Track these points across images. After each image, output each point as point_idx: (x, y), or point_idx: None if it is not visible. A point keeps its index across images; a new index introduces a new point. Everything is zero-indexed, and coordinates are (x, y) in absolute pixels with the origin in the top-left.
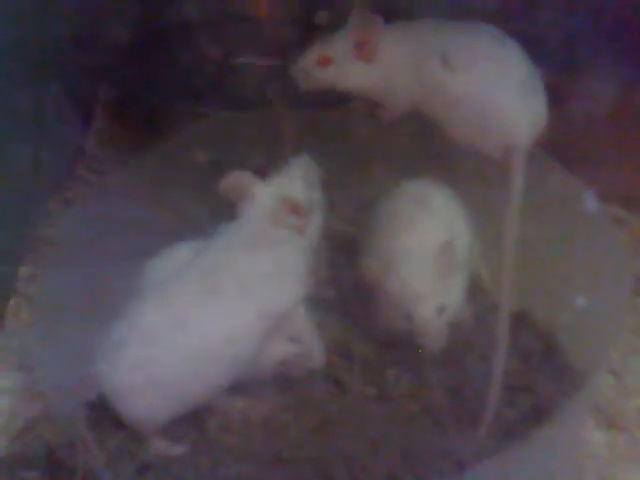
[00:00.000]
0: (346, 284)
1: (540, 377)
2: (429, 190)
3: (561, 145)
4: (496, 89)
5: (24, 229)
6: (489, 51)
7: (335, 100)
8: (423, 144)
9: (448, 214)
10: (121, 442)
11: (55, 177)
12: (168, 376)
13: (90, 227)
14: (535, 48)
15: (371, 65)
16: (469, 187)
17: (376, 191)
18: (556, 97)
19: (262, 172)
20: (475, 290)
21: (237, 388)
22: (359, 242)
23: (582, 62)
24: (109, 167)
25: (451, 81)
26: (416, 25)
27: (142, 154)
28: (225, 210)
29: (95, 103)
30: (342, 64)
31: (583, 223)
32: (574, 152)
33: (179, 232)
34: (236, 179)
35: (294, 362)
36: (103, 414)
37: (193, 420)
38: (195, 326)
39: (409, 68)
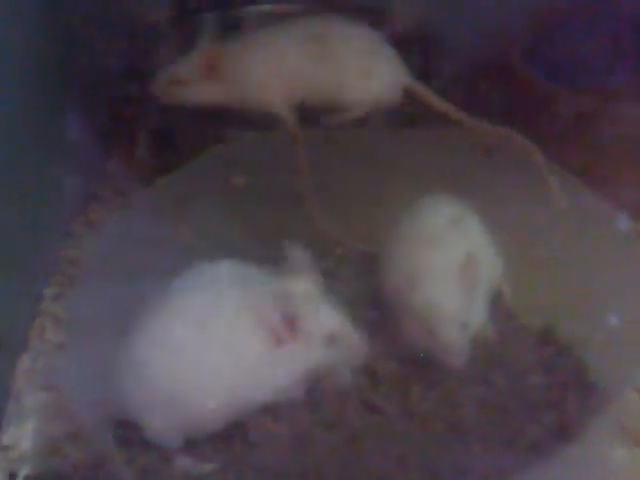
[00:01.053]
0: (368, 302)
1: (565, 394)
2: (451, 206)
3: (589, 165)
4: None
5: (48, 250)
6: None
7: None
8: (443, 160)
9: (471, 230)
10: (149, 461)
11: (78, 198)
12: (196, 394)
13: (114, 247)
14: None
15: (222, 82)
16: (490, 203)
17: (396, 209)
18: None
19: None
20: (497, 307)
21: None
22: (381, 260)
23: (609, 85)
24: (132, 188)
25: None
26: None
27: (165, 175)
28: (250, 229)
29: (117, 125)
30: (195, 83)
31: (611, 240)
32: (601, 172)
33: (202, 251)
34: None
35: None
36: (131, 433)
37: (220, 437)
38: (226, 345)
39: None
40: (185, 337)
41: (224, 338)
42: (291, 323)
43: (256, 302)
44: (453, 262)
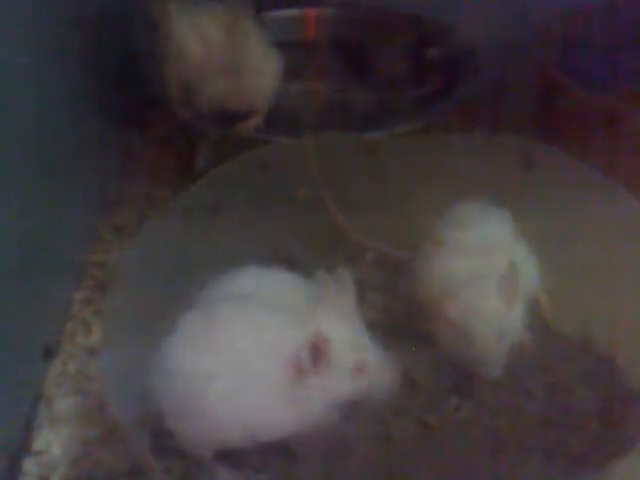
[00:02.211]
0: (402, 309)
1: (606, 404)
2: (489, 212)
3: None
4: None
5: (77, 253)
6: None
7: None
8: (479, 166)
9: (509, 238)
10: (186, 469)
11: (105, 203)
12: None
13: (149, 252)
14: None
15: None
16: (527, 210)
17: (431, 214)
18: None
19: None
20: (534, 316)
21: None
22: (416, 267)
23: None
24: (159, 193)
25: None
26: None
27: (193, 180)
28: (286, 234)
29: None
30: None
31: None
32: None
33: (236, 258)
34: None
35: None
36: (168, 440)
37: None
38: (250, 367)
39: None
40: (213, 356)
41: (248, 359)
42: (317, 355)
43: (286, 328)
44: (492, 271)
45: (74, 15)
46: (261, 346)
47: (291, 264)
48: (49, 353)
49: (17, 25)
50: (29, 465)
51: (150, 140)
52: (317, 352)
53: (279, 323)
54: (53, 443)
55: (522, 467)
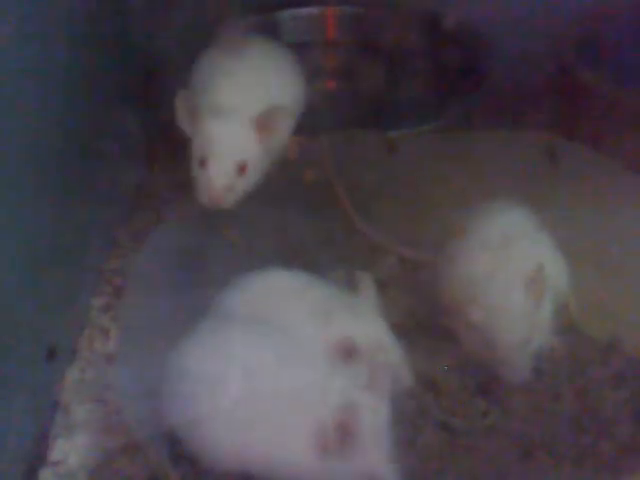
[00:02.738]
0: (425, 310)
1: (637, 408)
2: (517, 213)
3: None
4: None
5: (94, 260)
6: None
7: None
8: (507, 164)
9: (537, 239)
10: (203, 476)
11: (121, 209)
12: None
13: (163, 256)
14: None
15: None
16: (555, 209)
17: (454, 212)
18: None
19: None
20: (563, 319)
21: None
22: (439, 268)
23: None
24: (174, 197)
25: None
26: None
27: None
28: (305, 236)
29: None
30: None
31: None
32: None
33: (252, 260)
34: None
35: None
36: (184, 449)
37: None
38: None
39: None
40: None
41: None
42: (346, 435)
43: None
44: (518, 273)
45: None
46: (280, 385)
47: (311, 266)
48: (53, 354)
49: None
50: (46, 475)
51: (169, 145)
52: (345, 432)
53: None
54: (70, 453)
55: (552, 473)
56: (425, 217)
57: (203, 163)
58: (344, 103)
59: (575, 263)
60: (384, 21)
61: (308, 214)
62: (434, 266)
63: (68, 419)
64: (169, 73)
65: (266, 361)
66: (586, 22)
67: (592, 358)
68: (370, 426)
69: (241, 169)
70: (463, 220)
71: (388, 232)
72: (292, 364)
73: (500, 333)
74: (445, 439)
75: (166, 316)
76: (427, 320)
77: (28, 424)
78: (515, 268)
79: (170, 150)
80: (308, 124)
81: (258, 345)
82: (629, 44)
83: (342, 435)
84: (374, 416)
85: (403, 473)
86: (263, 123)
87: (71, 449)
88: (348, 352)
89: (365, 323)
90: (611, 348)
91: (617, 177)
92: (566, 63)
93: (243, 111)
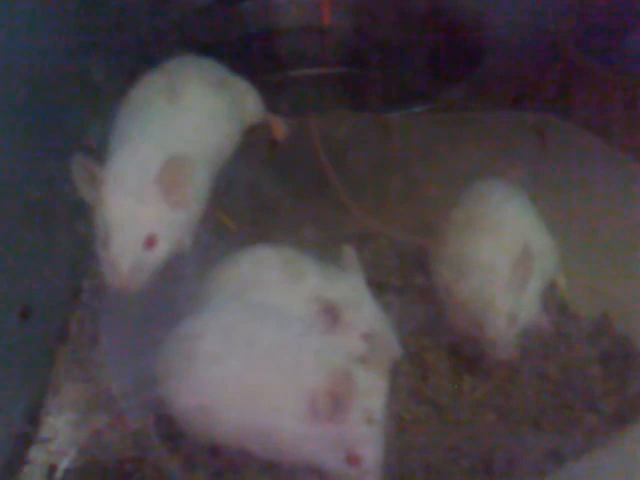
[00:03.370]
0: (416, 291)
1: (623, 383)
2: (503, 193)
3: None
4: None
5: (86, 242)
6: None
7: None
8: (494, 145)
9: (526, 219)
10: (192, 450)
11: None
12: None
13: None
14: None
15: None
16: (543, 189)
17: (445, 196)
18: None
19: None
20: (551, 298)
21: None
22: (430, 249)
23: None
24: None
25: None
26: None
27: None
28: (292, 218)
29: None
30: None
31: None
32: None
33: (243, 239)
34: None
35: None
36: (171, 424)
37: None
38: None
39: None
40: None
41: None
42: (337, 404)
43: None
44: (506, 253)
45: None
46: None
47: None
48: (26, 314)
49: None
50: (36, 452)
51: None
52: (336, 400)
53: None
54: (61, 430)
55: (537, 446)
56: (417, 198)
57: (105, 241)
58: (339, 86)
59: (564, 242)
60: (379, 6)
61: (299, 195)
62: (426, 246)
63: (59, 398)
64: None
65: (261, 331)
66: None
67: (580, 336)
68: (362, 397)
69: (149, 243)
70: (453, 200)
71: (379, 213)
72: (284, 332)
73: (486, 312)
74: (433, 414)
75: (156, 298)
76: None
77: (19, 402)
78: (502, 248)
79: None
80: (300, 106)
81: (253, 318)
82: (622, 27)
83: (332, 401)
84: (369, 390)
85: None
86: (166, 181)
87: (62, 427)
88: (332, 317)
89: (343, 285)
90: (600, 326)
91: (609, 157)
92: (560, 45)
93: (140, 171)
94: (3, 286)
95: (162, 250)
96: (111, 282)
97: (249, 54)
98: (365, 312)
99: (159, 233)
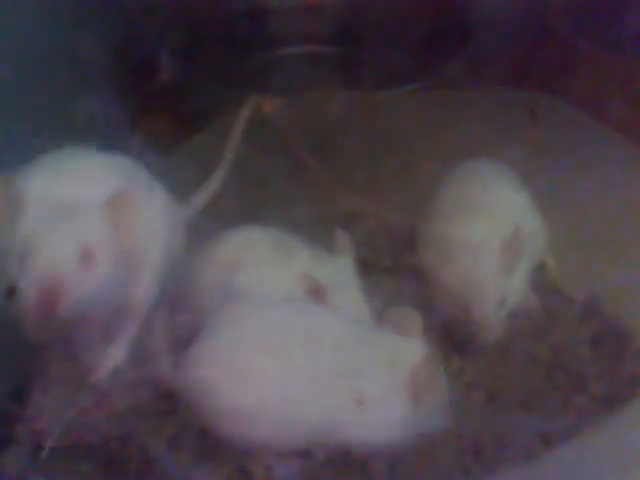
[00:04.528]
0: (405, 272)
1: (613, 364)
2: (493, 173)
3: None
4: None
5: None
6: None
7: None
8: (484, 124)
9: (515, 199)
10: (176, 430)
11: None
12: None
13: None
14: None
15: None
16: (534, 169)
17: (435, 173)
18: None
19: None
20: (541, 279)
21: None
22: (418, 230)
23: None
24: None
25: None
26: None
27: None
28: (278, 194)
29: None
30: None
31: None
32: None
33: (236, 216)
34: None
35: None
36: (158, 403)
37: None
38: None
39: None
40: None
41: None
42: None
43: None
44: (494, 234)
45: None
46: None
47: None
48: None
49: None
50: (21, 430)
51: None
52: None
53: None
54: (47, 409)
55: (524, 426)
56: (408, 176)
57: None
58: (328, 65)
59: (555, 222)
60: None
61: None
62: (414, 228)
63: (45, 377)
64: None
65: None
66: None
67: (570, 317)
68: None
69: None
70: (442, 179)
71: (372, 191)
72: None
73: (474, 296)
74: None
75: None
76: (405, 282)
77: (2, 380)
78: (492, 229)
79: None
80: (289, 85)
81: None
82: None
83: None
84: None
85: None
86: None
87: (48, 406)
88: (317, 297)
89: (331, 267)
90: (590, 308)
91: (602, 137)
92: (553, 24)
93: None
94: None
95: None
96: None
97: (239, 33)
98: (350, 296)
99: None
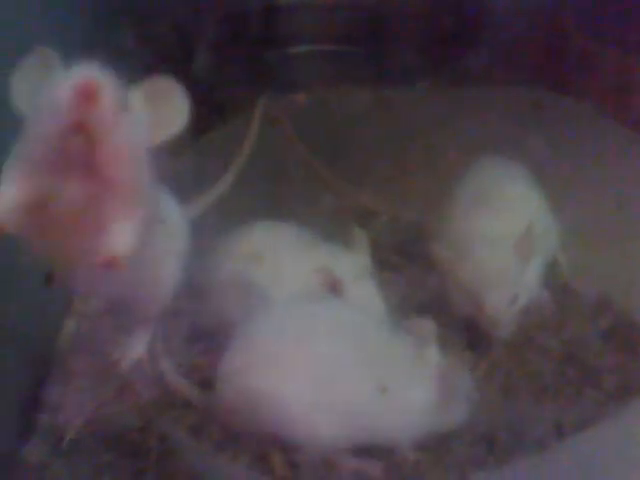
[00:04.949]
0: (416, 270)
1: (624, 359)
2: (509, 170)
3: None
4: None
5: None
6: None
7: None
8: (493, 121)
9: (530, 196)
10: (197, 422)
11: None
12: None
13: None
14: None
15: None
16: (543, 166)
17: (447, 170)
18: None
19: None
20: (553, 276)
21: None
22: (431, 226)
23: None
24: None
25: None
26: None
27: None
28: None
29: None
30: None
31: None
32: None
33: (250, 211)
34: None
35: None
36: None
37: None
38: None
39: None
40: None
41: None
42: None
43: None
44: (509, 231)
45: None
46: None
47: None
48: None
49: None
50: (42, 421)
51: None
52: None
53: None
54: (67, 401)
55: (537, 420)
56: (423, 174)
57: None
58: (344, 63)
59: (564, 219)
60: None
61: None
62: (427, 225)
63: (65, 369)
64: None
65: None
66: None
67: (581, 313)
68: None
69: None
70: (456, 180)
71: (381, 190)
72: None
73: (487, 290)
74: None
75: None
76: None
77: (25, 371)
78: (506, 225)
79: None
80: (304, 83)
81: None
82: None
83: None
84: None
85: None
86: None
87: (68, 398)
88: (334, 291)
89: (348, 262)
90: (601, 302)
91: (608, 133)
92: (559, 22)
93: None
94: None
95: None
96: None
97: (250, 30)
98: (366, 291)
99: None
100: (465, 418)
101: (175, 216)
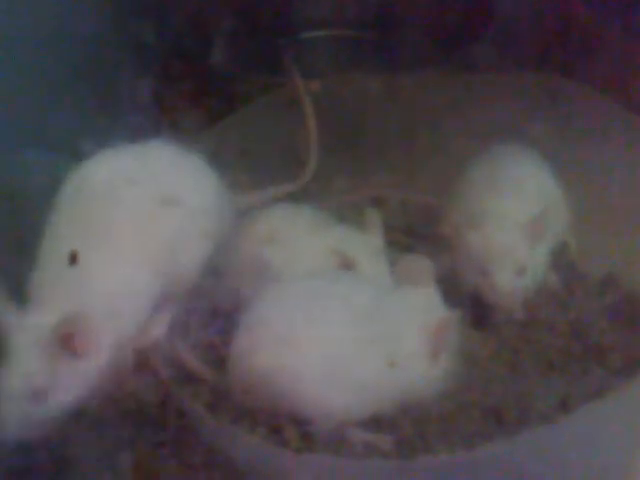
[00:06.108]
0: (426, 251)
1: (630, 337)
2: (524, 155)
3: None
4: None
5: None
6: None
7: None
8: (506, 107)
9: (545, 180)
10: (214, 398)
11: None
12: None
13: None
14: None
15: None
16: (553, 149)
17: (459, 156)
18: None
19: None
20: (561, 256)
21: None
22: (443, 205)
23: None
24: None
25: None
26: None
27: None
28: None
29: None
30: None
31: None
32: None
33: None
34: None
35: None
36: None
37: None
38: None
39: None
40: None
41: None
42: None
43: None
44: (522, 210)
45: None
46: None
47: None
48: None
49: None
50: None
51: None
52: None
53: None
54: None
55: (544, 397)
56: (436, 158)
57: None
58: (356, 49)
59: (573, 201)
60: None
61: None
62: (440, 206)
63: None
64: None
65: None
66: None
67: (587, 293)
68: None
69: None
70: (470, 165)
71: (392, 174)
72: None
73: (495, 258)
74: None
75: None
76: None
77: None
78: (519, 205)
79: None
80: (319, 68)
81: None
82: None
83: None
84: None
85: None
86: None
87: None
88: (346, 267)
89: (362, 243)
90: (607, 283)
91: (622, 120)
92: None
93: None
94: None
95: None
96: None
97: (261, 16)
98: (378, 270)
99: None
100: (457, 371)
101: (198, 197)
